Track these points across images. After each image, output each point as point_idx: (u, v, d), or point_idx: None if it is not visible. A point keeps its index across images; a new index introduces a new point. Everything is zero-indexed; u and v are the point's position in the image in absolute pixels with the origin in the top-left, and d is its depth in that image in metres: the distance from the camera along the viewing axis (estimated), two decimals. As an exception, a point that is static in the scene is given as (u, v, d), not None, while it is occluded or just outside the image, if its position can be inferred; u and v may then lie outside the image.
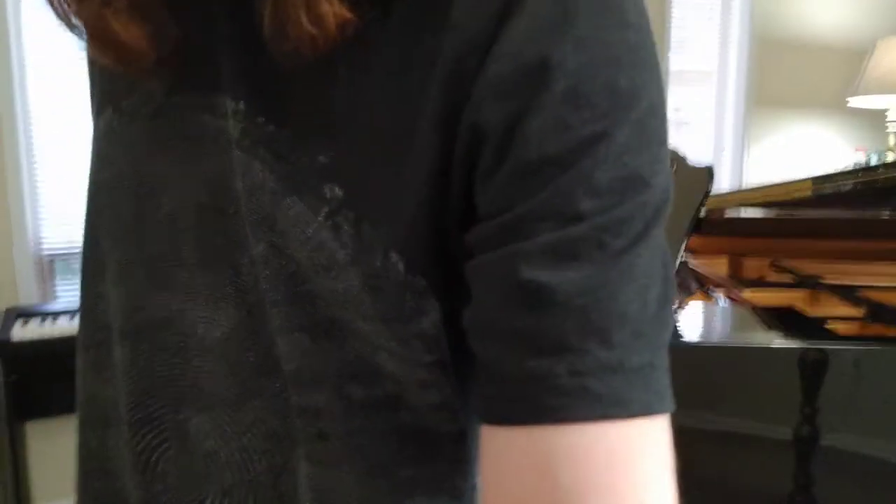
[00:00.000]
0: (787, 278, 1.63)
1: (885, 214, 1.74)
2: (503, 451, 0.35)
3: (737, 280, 1.66)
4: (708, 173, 1.36)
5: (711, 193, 1.68)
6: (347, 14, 0.34)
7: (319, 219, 0.39)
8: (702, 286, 1.60)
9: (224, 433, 0.45)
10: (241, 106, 0.41)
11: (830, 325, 1.20)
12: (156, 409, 0.46)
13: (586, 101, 0.33)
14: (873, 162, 3.05)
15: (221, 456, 0.45)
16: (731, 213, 2.01)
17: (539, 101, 0.33)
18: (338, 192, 0.39)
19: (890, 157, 2.97)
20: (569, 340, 0.33)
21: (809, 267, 1.63)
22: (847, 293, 1.37)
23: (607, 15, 0.34)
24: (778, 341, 1.09)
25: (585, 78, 0.33)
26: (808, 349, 1.05)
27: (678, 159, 1.52)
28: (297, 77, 0.39)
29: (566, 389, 0.33)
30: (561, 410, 0.33)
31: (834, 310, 1.36)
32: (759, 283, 1.68)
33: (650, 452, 0.33)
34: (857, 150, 3.26)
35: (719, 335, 1.23)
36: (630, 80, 0.33)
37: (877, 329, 1.23)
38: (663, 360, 0.35)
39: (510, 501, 0.34)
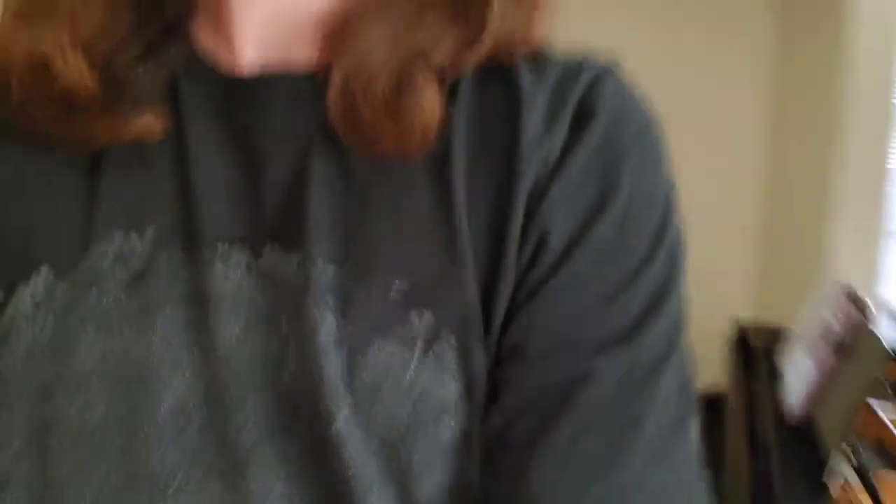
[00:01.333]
0: None
1: None
2: None
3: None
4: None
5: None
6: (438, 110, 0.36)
7: (416, 354, 0.35)
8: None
9: None
10: (284, 252, 0.36)
11: None
12: None
13: (633, 232, 0.37)
14: None
15: None
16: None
17: (593, 225, 0.36)
18: (426, 317, 0.35)
19: None
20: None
21: None
22: None
23: (653, 156, 0.39)
24: None
25: (634, 209, 0.37)
26: None
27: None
28: (344, 201, 0.37)
29: None
30: None
31: None
32: None
33: None
34: None
35: None
36: (664, 217, 0.38)
37: None
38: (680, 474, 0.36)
39: None
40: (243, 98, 0.39)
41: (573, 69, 0.39)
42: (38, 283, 0.37)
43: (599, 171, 0.37)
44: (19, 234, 0.38)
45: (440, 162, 0.37)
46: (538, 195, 0.37)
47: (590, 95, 0.38)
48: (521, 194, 0.36)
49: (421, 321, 0.35)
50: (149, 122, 0.38)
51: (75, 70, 0.37)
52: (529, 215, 0.37)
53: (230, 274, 0.36)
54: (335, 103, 0.37)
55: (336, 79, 0.37)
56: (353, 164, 0.38)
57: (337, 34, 0.40)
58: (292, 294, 0.36)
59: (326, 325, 0.35)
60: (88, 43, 0.38)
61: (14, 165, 0.39)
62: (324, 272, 0.36)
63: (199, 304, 0.36)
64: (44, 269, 0.37)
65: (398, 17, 0.39)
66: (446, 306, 0.36)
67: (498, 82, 0.39)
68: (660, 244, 0.38)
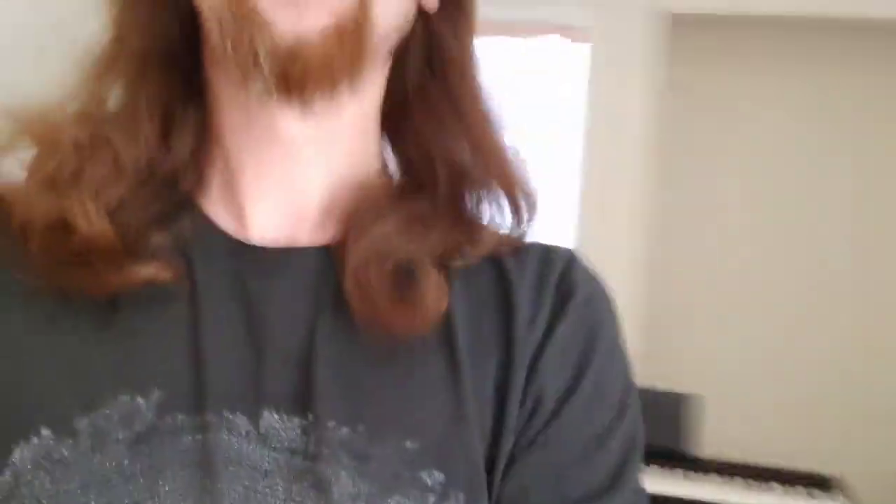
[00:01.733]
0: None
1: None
2: None
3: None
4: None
5: None
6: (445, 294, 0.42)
7: None
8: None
9: None
10: (291, 417, 0.38)
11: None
12: None
13: (608, 386, 0.44)
14: None
15: None
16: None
17: (578, 382, 0.43)
18: (437, 475, 0.38)
19: None
20: None
21: None
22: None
23: (617, 326, 0.47)
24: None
25: (607, 368, 0.44)
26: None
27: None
28: (353, 367, 0.40)
29: None
30: None
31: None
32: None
33: None
34: None
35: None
36: (627, 376, 0.46)
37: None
38: None
39: None
40: (255, 268, 0.42)
41: (548, 256, 0.47)
42: (39, 442, 0.37)
43: (580, 340, 0.44)
44: (19, 390, 0.38)
45: (445, 335, 0.42)
46: (534, 362, 0.43)
47: (566, 279, 0.46)
48: (522, 360, 0.42)
49: (432, 480, 0.38)
50: (161, 275, 0.40)
51: (96, 225, 0.39)
52: (528, 380, 0.42)
53: (235, 439, 0.37)
54: (349, 289, 0.41)
55: (350, 264, 0.42)
56: (362, 333, 0.41)
57: (346, 217, 0.44)
58: (301, 457, 0.37)
59: (340, 484, 0.37)
60: (109, 206, 0.40)
61: (16, 316, 0.40)
62: (336, 433, 0.38)
63: (203, 468, 0.37)
64: (44, 428, 0.37)
65: (408, 213, 0.45)
66: (455, 465, 0.39)
67: (488, 268, 0.46)
68: (628, 398, 0.45)
